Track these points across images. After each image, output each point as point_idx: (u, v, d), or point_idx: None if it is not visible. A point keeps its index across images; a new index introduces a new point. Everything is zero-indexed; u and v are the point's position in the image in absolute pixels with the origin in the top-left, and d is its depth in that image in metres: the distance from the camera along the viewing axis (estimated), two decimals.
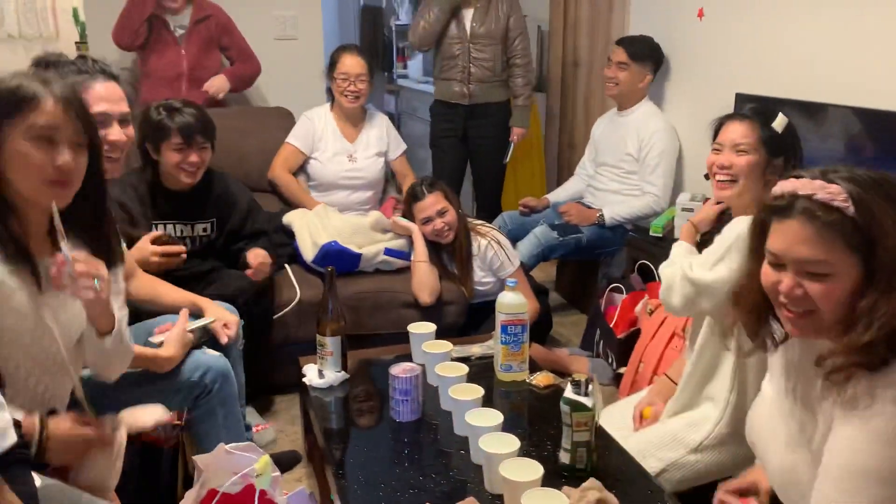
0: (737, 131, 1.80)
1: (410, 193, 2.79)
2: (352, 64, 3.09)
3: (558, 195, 3.56)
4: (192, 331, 1.93)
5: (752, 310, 1.27)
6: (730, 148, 1.80)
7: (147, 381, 1.81)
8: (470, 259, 2.78)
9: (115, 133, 1.77)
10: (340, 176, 3.15)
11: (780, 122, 1.81)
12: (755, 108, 1.89)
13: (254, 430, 2.41)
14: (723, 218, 1.97)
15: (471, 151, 3.66)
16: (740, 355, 1.42)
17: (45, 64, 1.75)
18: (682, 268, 1.81)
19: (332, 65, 3.13)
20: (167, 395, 1.82)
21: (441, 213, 2.70)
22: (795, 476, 1.24)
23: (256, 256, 2.44)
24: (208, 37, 3.39)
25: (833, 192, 1.10)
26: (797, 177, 1.16)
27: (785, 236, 1.15)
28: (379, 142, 3.24)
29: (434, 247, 2.77)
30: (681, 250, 1.93)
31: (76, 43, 5.72)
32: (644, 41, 3.28)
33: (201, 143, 2.37)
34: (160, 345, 1.87)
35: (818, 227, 1.11)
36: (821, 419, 1.18)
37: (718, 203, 1.97)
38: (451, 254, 2.81)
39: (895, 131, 2.16)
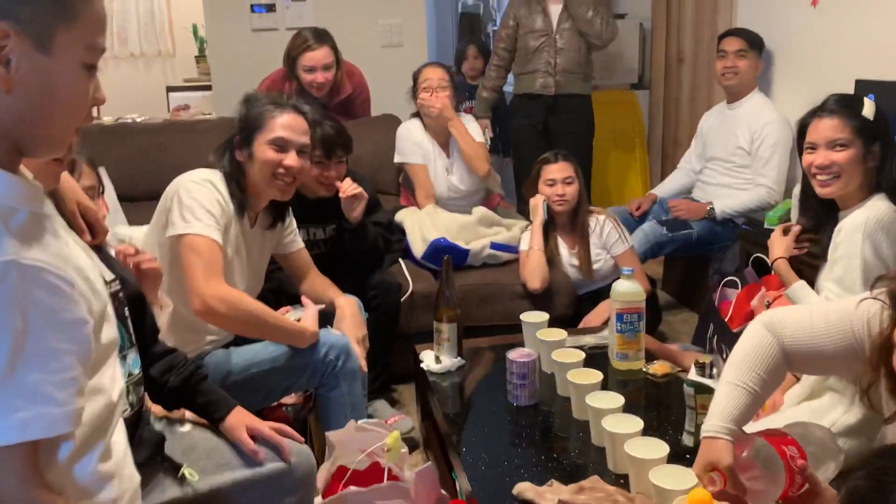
0: (829, 127, 1.77)
1: (542, 159, 2.86)
2: (432, 72, 3.10)
3: (664, 189, 3.53)
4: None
5: (891, 374, 1.19)
6: (825, 146, 1.77)
7: (276, 361, 1.92)
8: (588, 238, 2.82)
9: (290, 159, 1.93)
10: (443, 190, 3.16)
11: (869, 109, 1.77)
12: (837, 100, 1.82)
13: (390, 421, 2.49)
14: (828, 216, 1.91)
15: (553, 146, 3.52)
16: (885, 420, 1.30)
17: (246, 100, 1.99)
18: None
19: (415, 82, 3.15)
20: (297, 374, 1.93)
21: (566, 181, 2.77)
22: None
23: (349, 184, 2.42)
24: (346, 112, 3.30)
25: None
26: None
27: None
28: None
29: (547, 233, 2.81)
30: (801, 296, 1.87)
31: (195, 57, 6.08)
32: (749, 30, 3.21)
33: (340, 157, 2.43)
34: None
35: None
36: None
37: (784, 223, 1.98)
38: (567, 233, 2.86)
39: None
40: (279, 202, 2.04)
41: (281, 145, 1.92)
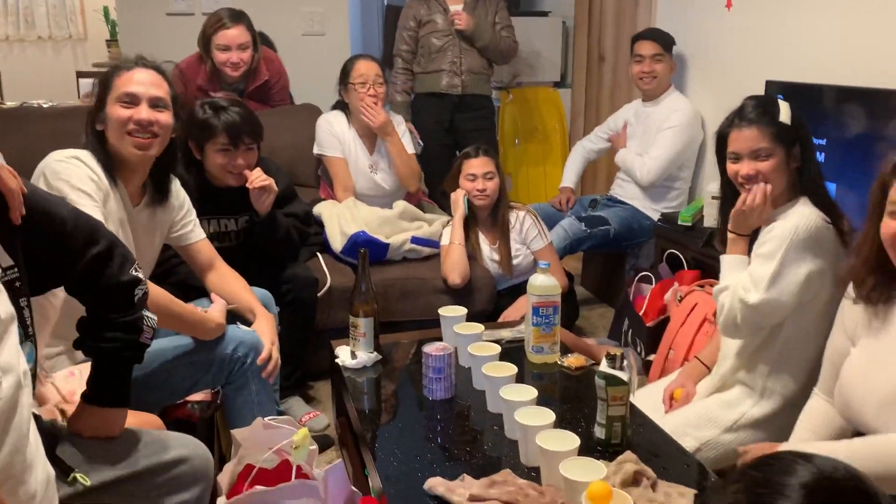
0: (750, 138, 1.76)
1: (463, 154, 2.84)
2: (367, 67, 2.99)
3: (572, 178, 3.59)
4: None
5: (863, 262, 1.46)
6: (748, 156, 1.77)
7: (180, 356, 1.84)
8: (508, 234, 2.82)
9: (141, 112, 1.81)
10: (364, 188, 3.08)
11: (785, 114, 1.77)
12: (755, 107, 1.80)
13: (304, 418, 2.43)
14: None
15: (459, 145, 3.52)
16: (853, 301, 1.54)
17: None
18: (739, 297, 1.74)
19: (346, 74, 3.03)
20: (203, 371, 1.85)
21: (487, 177, 2.77)
22: None
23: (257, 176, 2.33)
24: (263, 99, 3.22)
25: None
26: None
27: None
28: None
29: (468, 228, 2.80)
30: (731, 267, 1.84)
31: (107, 41, 5.83)
32: (661, 31, 3.29)
33: (248, 144, 2.32)
34: None
35: None
36: None
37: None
38: (488, 228, 2.85)
39: None
40: (158, 175, 1.94)
41: (129, 100, 1.81)
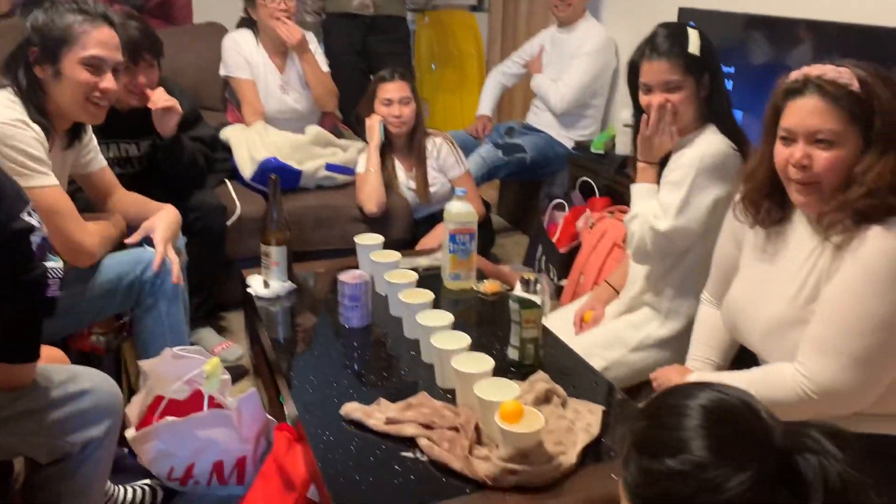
0: (660, 70, 1.76)
1: (378, 77, 2.76)
2: None
3: (488, 105, 3.57)
4: None
5: (758, 187, 1.47)
6: (660, 87, 1.78)
7: (86, 280, 1.76)
8: (424, 161, 2.79)
9: (107, 81, 1.73)
10: (275, 110, 2.96)
11: (695, 44, 1.77)
12: (666, 37, 1.78)
13: (217, 349, 2.37)
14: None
15: (373, 69, 3.40)
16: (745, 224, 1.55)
17: (45, 6, 1.72)
18: (649, 224, 1.77)
19: None
20: (111, 295, 1.79)
21: (403, 102, 2.70)
22: (785, 329, 1.40)
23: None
24: (164, 17, 3.07)
25: (841, 72, 1.29)
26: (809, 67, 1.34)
27: (798, 112, 1.33)
28: None
29: (384, 155, 2.75)
30: (641, 195, 1.86)
31: None
32: None
33: (149, 61, 2.20)
34: None
35: (827, 101, 1.29)
36: (815, 274, 1.37)
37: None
38: (405, 155, 2.81)
39: (841, 42, 2.20)
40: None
41: (96, 65, 1.71)
